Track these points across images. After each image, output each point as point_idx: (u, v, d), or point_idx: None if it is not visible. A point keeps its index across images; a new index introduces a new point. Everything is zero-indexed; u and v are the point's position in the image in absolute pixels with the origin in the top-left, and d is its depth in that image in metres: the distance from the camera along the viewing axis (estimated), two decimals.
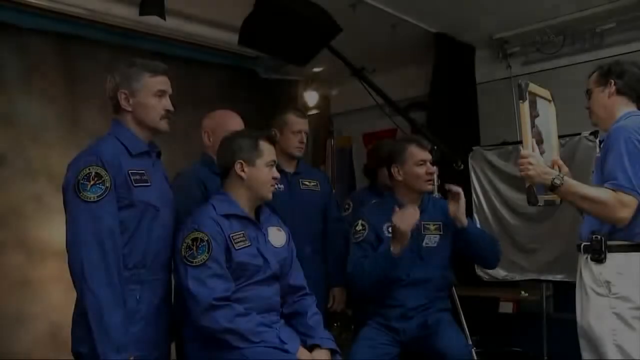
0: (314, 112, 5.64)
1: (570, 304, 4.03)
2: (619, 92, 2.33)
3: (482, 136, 4.87)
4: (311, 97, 5.51)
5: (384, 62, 4.77)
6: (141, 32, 4.00)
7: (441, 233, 2.85)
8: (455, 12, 4.32)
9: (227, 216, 2.24)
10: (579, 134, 3.85)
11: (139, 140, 2.18)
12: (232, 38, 4.40)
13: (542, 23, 4.40)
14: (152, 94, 2.17)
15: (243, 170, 2.28)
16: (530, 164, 2.19)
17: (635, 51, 4.02)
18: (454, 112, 4.79)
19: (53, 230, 3.65)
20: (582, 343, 2.31)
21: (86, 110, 3.87)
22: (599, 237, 2.23)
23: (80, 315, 2.05)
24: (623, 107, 2.33)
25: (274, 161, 2.35)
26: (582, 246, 2.33)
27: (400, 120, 4.65)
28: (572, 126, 3.97)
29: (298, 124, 2.96)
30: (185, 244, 2.15)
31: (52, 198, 3.59)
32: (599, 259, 2.23)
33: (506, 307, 4.35)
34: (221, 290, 2.11)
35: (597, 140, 2.48)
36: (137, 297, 2.09)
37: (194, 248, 2.13)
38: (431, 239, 2.83)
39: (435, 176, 3.58)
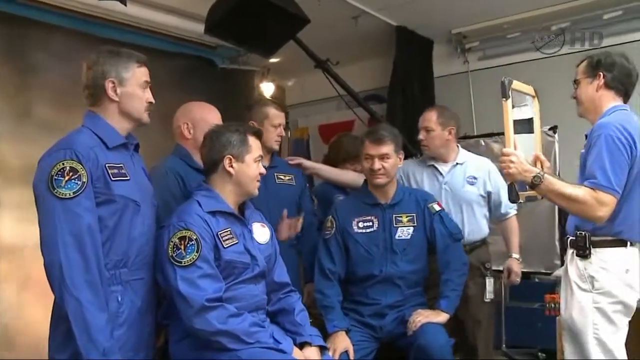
0: None
1: (523, 293, 4.23)
2: (607, 86, 2.31)
3: None
4: (267, 88, 5.44)
5: (345, 55, 4.73)
6: (97, 17, 3.82)
7: (415, 225, 2.81)
8: (416, 5, 4.35)
9: (213, 213, 2.17)
10: None
11: (115, 132, 2.06)
12: (191, 26, 4.32)
13: (500, 19, 4.52)
14: (139, 85, 2.07)
15: (231, 166, 2.20)
16: (511, 161, 2.17)
17: (590, 49, 4.17)
18: (412, 105, 4.84)
19: (2, 227, 3.45)
20: (565, 336, 2.34)
21: (38, 100, 3.65)
22: (583, 232, 2.25)
23: (59, 320, 1.93)
24: (610, 101, 2.31)
25: (261, 156, 2.30)
26: (568, 241, 2.35)
27: (358, 112, 4.69)
28: None
29: (278, 117, 2.90)
30: (172, 243, 2.05)
31: (2, 192, 3.40)
32: (583, 254, 2.25)
33: None
34: (213, 290, 2.03)
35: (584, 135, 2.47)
36: (119, 299, 1.97)
37: (182, 247, 2.04)
38: (404, 231, 2.80)
39: None
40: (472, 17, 4.59)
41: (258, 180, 2.28)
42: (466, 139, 4.44)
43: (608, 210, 2.14)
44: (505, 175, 2.23)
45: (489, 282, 3.09)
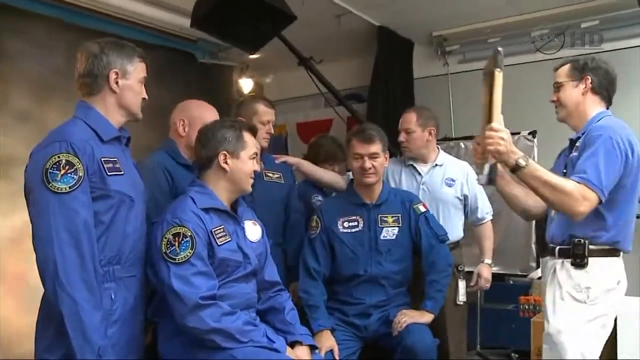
0: None
1: (498, 295, 4.30)
2: (593, 90, 2.26)
3: None
4: (246, 84, 5.40)
5: (326, 53, 4.72)
6: (77, 6, 3.74)
7: (400, 225, 2.82)
8: (398, 6, 4.38)
9: (207, 210, 2.14)
10: (518, 133, 4.06)
11: (110, 125, 2.01)
12: (172, 19, 4.27)
13: (481, 24, 4.57)
14: (139, 80, 2.04)
15: (226, 162, 2.18)
16: (502, 139, 1.96)
17: (564, 57, 4.26)
18: (393, 105, 4.87)
19: None
20: (546, 349, 2.24)
21: (15, 90, 3.55)
22: (582, 240, 2.17)
23: (48, 319, 1.87)
24: (596, 107, 2.27)
25: (256, 153, 2.28)
26: (557, 249, 2.26)
27: (338, 111, 4.68)
28: (510, 126, 4.18)
29: (267, 114, 2.87)
30: (165, 240, 2.02)
31: None
32: (581, 263, 2.17)
33: None
34: (207, 288, 2.01)
35: (569, 139, 2.44)
36: (112, 297, 1.93)
37: (176, 244, 2.01)
38: (389, 232, 2.81)
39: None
40: (453, 20, 4.64)
41: (252, 177, 2.26)
42: (446, 141, 4.48)
43: (589, 207, 2.05)
44: (493, 153, 1.99)
45: (462, 285, 3.10)
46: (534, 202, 2.36)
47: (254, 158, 2.25)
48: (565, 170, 2.30)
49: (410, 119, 3.12)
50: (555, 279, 2.24)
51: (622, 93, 2.46)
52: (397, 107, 4.87)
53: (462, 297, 3.09)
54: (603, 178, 2.05)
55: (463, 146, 4.47)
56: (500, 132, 1.97)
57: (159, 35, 4.35)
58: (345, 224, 2.83)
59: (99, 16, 3.88)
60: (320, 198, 3.33)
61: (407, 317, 2.62)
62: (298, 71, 4.29)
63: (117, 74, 1.98)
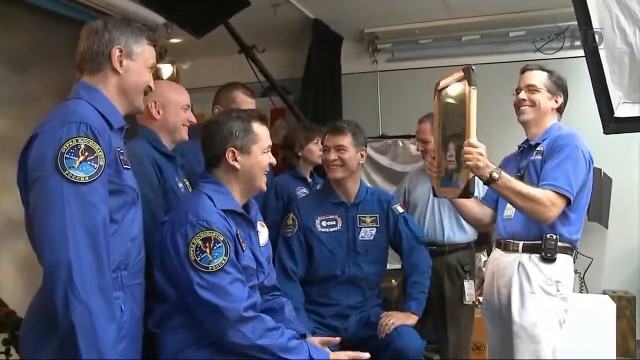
0: None
1: None
2: (558, 109, 2.40)
3: None
4: (166, 69, 5.05)
5: (259, 42, 4.56)
6: None
7: (378, 226, 2.76)
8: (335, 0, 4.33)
9: (225, 212, 1.92)
10: None
11: (117, 112, 1.75)
12: None
13: (414, 24, 4.66)
14: (147, 65, 1.78)
15: (236, 160, 1.96)
16: (480, 154, 2.03)
17: (495, 63, 4.47)
18: (322, 99, 4.82)
19: None
20: (518, 343, 2.27)
21: None
22: (553, 236, 2.25)
23: (47, 332, 1.57)
24: (553, 120, 2.41)
25: (270, 146, 2.06)
26: (521, 245, 2.32)
27: (262, 102, 4.55)
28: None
29: (246, 102, 2.64)
30: (194, 246, 1.79)
31: None
32: (551, 258, 2.25)
33: None
34: (245, 298, 1.82)
35: (525, 145, 2.54)
36: (122, 308, 1.67)
37: (208, 250, 1.79)
38: (367, 232, 2.75)
39: None
40: (386, 19, 4.67)
41: (266, 173, 2.05)
42: (384, 139, 4.51)
43: (557, 213, 2.19)
44: (472, 168, 2.05)
45: (468, 285, 3.15)
46: (483, 211, 2.54)
47: (267, 151, 2.04)
48: (520, 174, 2.40)
49: (425, 129, 3.20)
50: (523, 273, 2.30)
51: None
52: (325, 101, 4.85)
53: (468, 297, 3.13)
54: (573, 184, 2.20)
55: (401, 144, 4.54)
56: (478, 148, 2.03)
57: (72, 6, 3.83)
58: (324, 223, 2.73)
59: None
60: (305, 191, 3.18)
61: (395, 319, 2.58)
62: (216, 59, 4.10)
63: (120, 51, 1.72)
